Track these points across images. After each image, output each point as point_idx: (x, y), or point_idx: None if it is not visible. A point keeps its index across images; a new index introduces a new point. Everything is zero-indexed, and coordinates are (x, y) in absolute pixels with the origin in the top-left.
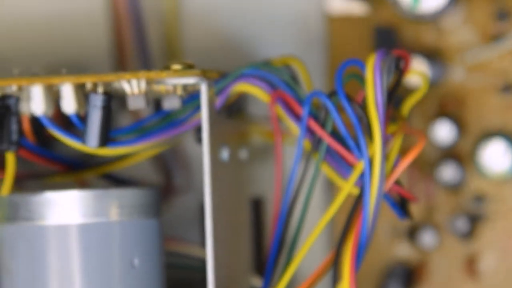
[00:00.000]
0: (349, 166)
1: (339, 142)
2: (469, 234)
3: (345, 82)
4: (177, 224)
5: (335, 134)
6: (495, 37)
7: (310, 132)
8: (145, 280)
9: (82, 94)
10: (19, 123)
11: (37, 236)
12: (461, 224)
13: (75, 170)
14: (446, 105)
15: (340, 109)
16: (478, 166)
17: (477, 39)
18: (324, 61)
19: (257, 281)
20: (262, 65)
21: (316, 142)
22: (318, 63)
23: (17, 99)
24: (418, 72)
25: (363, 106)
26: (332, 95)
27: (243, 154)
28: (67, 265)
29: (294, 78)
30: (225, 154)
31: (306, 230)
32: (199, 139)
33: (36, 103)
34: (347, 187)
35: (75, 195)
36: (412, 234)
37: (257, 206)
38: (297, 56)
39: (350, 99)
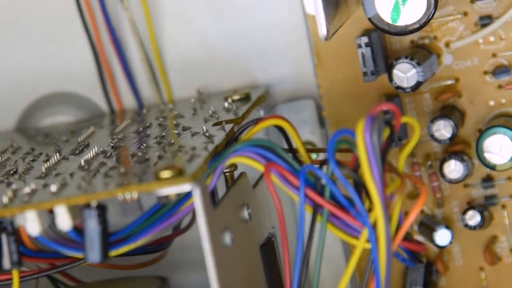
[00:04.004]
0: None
1: (340, 206)
2: (482, 225)
3: (336, 149)
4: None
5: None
6: (478, 20)
7: (309, 198)
8: None
9: (76, 207)
10: (17, 239)
11: None
12: (473, 221)
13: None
14: (441, 97)
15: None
16: (482, 159)
17: (461, 24)
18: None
19: None
20: (254, 141)
21: (317, 207)
22: (305, 64)
23: (12, 220)
24: (408, 119)
25: (358, 170)
26: (323, 163)
27: (245, 214)
28: None
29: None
30: (227, 239)
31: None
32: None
33: (31, 225)
34: (359, 247)
35: None
36: (427, 232)
37: (269, 246)
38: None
39: (344, 166)
